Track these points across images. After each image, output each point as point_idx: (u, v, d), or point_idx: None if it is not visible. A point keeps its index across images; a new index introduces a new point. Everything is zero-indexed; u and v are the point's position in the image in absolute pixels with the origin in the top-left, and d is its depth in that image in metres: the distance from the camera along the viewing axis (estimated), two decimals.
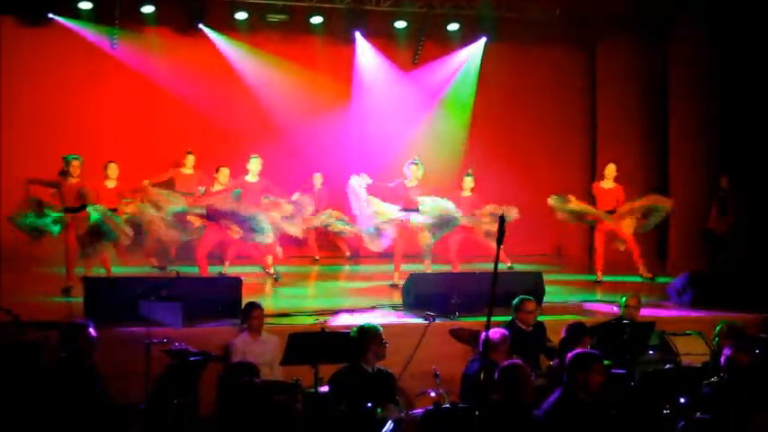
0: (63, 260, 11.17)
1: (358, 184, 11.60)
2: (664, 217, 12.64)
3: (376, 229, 11.56)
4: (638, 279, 12.44)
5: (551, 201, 12.60)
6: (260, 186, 11.79)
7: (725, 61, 14.27)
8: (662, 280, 12.37)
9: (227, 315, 8.92)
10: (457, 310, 9.37)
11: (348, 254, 14.67)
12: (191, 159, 13.36)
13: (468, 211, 12.23)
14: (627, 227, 12.36)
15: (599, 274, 12.57)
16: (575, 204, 12.56)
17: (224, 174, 12.16)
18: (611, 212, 12.41)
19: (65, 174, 11.13)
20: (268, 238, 11.26)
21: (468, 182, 12.56)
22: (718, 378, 6.30)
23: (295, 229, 12.01)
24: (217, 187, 12.00)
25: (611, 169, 12.63)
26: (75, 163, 11.12)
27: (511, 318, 8.25)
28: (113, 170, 12.08)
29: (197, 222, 11.55)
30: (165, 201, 11.48)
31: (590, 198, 12.71)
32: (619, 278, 12.63)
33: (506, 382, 5.85)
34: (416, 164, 11.78)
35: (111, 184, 12.02)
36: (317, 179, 14.49)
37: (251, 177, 11.74)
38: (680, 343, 8.73)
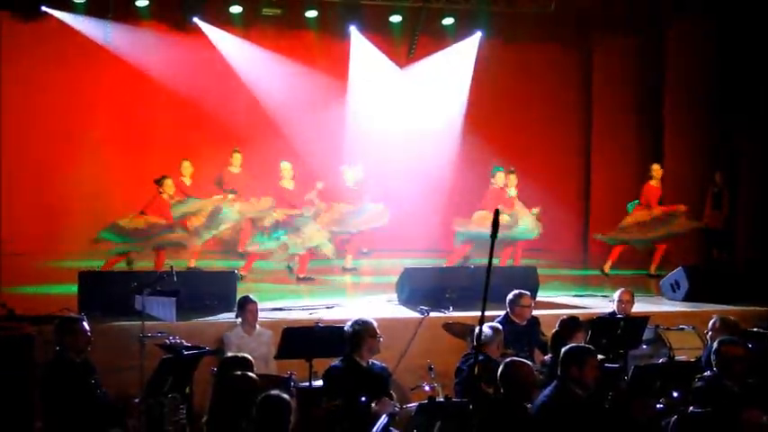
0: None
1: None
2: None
3: None
4: (636, 272, 12.59)
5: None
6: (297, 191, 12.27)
7: (720, 58, 14.27)
8: (658, 273, 12.43)
9: (222, 309, 8.93)
10: (451, 305, 9.38)
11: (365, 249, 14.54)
12: (237, 158, 13.10)
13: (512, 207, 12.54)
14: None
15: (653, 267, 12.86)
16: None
17: (287, 168, 12.22)
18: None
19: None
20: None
21: (512, 179, 12.79)
22: (712, 372, 6.31)
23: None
24: (286, 184, 12.06)
25: (657, 169, 13.01)
26: (168, 182, 11.71)
27: (505, 312, 8.26)
28: (187, 168, 12.57)
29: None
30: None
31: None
32: (613, 273, 12.66)
33: (508, 379, 5.85)
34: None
35: (187, 181, 12.51)
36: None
37: (287, 183, 12.19)
38: (673, 337, 8.76)
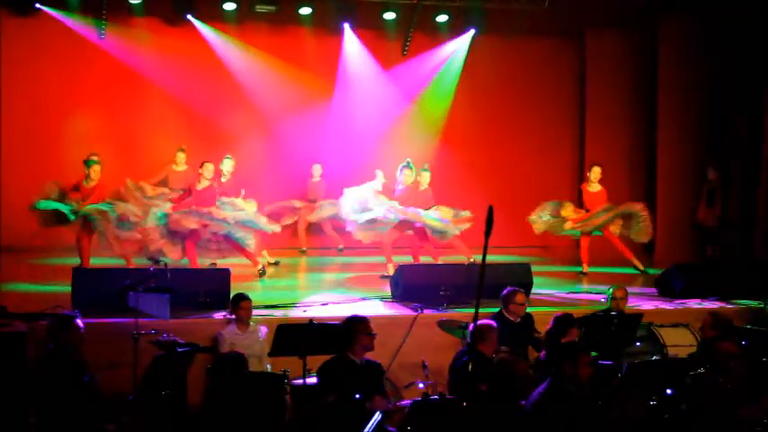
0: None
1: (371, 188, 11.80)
2: (643, 221, 12.71)
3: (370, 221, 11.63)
4: (630, 270, 12.57)
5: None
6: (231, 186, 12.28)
7: (712, 51, 14.28)
8: (649, 272, 12.44)
9: (216, 306, 8.92)
10: (445, 302, 9.38)
11: (341, 246, 14.49)
12: (182, 157, 13.23)
13: (427, 206, 12.10)
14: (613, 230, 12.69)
15: (585, 266, 12.67)
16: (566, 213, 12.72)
17: (208, 169, 11.75)
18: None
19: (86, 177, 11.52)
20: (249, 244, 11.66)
21: (425, 176, 12.31)
22: (705, 369, 6.33)
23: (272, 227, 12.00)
24: (203, 184, 11.71)
25: (596, 172, 12.76)
26: (96, 168, 11.54)
27: (499, 309, 8.27)
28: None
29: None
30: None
31: (579, 200, 12.90)
32: (606, 270, 12.67)
33: (502, 376, 5.85)
34: (410, 168, 12.00)
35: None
36: (317, 170, 14.35)
37: (224, 178, 12.23)
38: (667, 334, 8.78)
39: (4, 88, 13.87)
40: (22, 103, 14.02)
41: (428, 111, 15.90)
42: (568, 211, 12.78)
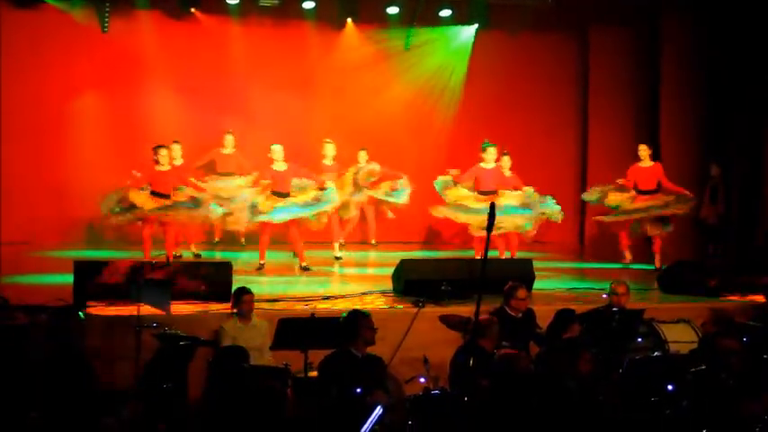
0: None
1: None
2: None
3: None
4: (635, 266, 12.59)
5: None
6: (290, 172, 11.94)
7: (714, 48, 14.28)
8: (650, 268, 12.44)
9: (218, 300, 8.93)
10: (447, 296, 9.38)
11: (373, 241, 14.42)
12: (230, 140, 13.44)
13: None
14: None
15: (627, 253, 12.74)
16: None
17: (277, 151, 11.81)
18: (653, 192, 12.55)
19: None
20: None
21: (505, 161, 12.67)
22: (706, 365, 6.32)
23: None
24: (277, 166, 11.76)
25: (643, 149, 12.73)
26: (163, 152, 11.49)
27: (501, 304, 8.27)
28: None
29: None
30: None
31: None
32: (608, 265, 12.67)
33: (503, 371, 5.86)
34: (492, 146, 12.15)
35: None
36: (362, 156, 14.08)
37: (278, 166, 11.83)
38: (668, 330, 8.78)
39: (5, 81, 13.84)
40: (24, 96, 13.99)
41: (430, 106, 15.89)
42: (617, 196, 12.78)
